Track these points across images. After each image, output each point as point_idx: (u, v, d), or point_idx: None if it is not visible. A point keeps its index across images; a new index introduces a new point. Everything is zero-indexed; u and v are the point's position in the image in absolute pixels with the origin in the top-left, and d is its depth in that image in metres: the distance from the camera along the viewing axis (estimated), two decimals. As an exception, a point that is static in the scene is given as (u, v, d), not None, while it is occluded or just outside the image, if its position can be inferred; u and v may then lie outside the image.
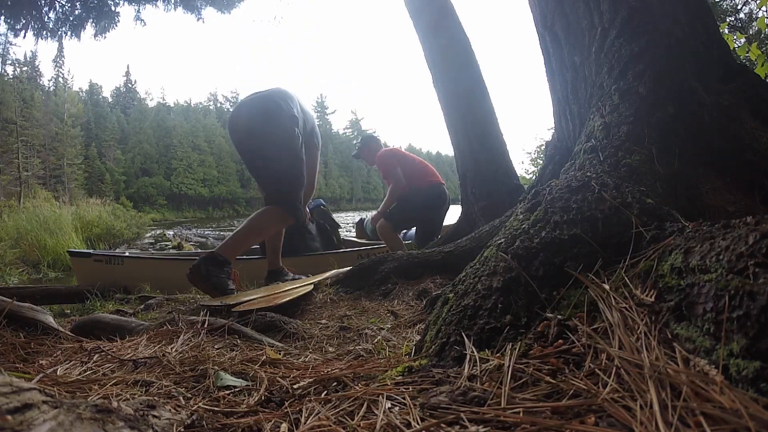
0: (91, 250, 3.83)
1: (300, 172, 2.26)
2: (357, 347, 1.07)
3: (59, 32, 6.18)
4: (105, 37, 6.44)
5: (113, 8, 6.30)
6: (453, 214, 3.96)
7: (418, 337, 1.00)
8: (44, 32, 6.07)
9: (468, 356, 0.64)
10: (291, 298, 1.64)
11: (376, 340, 1.13)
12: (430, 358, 0.73)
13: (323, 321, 1.44)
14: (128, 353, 0.99)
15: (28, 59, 39.78)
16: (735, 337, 0.43)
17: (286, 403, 0.64)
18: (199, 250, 5.83)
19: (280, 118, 2.24)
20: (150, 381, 0.78)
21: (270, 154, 2.23)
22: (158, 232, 12.99)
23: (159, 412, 0.57)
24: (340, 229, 4.31)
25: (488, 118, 3.24)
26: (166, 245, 7.92)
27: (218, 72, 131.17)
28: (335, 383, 0.71)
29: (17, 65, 37.70)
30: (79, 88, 50.40)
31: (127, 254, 3.69)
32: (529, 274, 0.73)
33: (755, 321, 0.42)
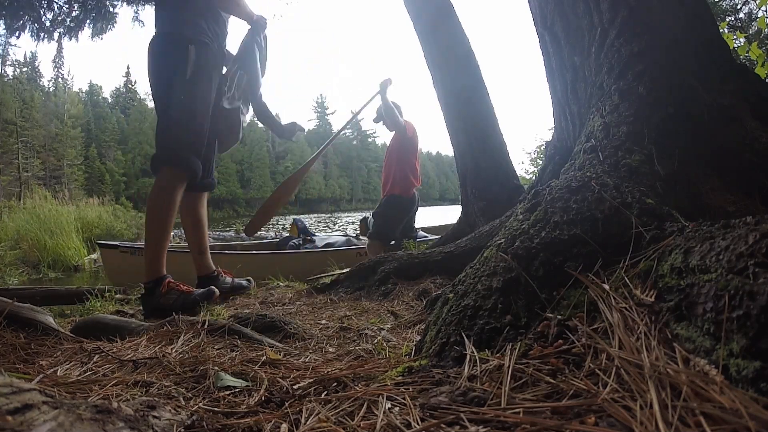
0: (117, 242, 4.21)
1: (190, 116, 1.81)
2: (357, 347, 1.07)
3: (57, 33, 6.16)
4: (101, 39, 6.45)
5: (111, 9, 6.29)
6: (453, 214, 3.99)
7: (418, 338, 1.00)
8: (42, 33, 6.06)
9: (468, 356, 0.64)
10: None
11: (376, 341, 1.13)
12: (430, 359, 0.73)
13: (323, 321, 1.44)
14: (128, 354, 0.99)
15: (28, 60, 39.90)
16: (735, 337, 0.43)
17: (286, 404, 0.64)
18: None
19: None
20: (150, 381, 0.78)
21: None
22: (158, 232, 12.95)
23: (159, 412, 0.57)
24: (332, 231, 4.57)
25: (488, 118, 3.24)
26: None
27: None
28: (335, 383, 0.71)
29: (17, 66, 37.74)
30: (79, 89, 50.56)
31: None
32: (529, 275, 0.73)
33: (755, 321, 0.42)
